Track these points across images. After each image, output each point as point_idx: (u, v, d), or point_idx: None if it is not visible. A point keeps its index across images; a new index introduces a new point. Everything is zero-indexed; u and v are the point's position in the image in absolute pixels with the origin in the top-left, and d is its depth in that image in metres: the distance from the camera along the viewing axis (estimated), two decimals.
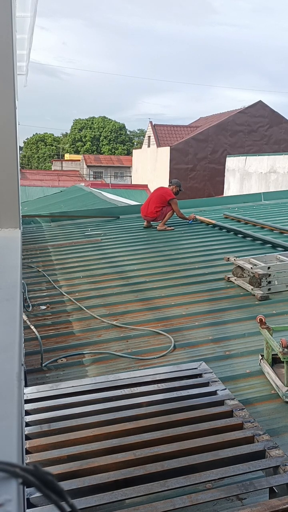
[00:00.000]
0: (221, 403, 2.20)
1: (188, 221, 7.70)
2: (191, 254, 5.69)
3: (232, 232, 6.80)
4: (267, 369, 2.70)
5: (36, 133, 65.56)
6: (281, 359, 2.54)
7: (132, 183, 33.03)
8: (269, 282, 4.18)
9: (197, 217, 7.87)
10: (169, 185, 7.65)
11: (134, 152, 35.80)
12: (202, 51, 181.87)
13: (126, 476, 1.68)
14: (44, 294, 4.56)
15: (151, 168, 29.74)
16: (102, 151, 58.51)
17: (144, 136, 38.82)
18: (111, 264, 5.48)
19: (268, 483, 1.66)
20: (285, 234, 6.48)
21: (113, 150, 59.29)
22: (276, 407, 2.41)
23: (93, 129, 60.14)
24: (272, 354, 2.74)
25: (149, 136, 31.14)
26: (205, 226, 7.51)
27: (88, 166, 45.49)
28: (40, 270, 5.34)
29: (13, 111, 2.34)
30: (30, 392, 2.35)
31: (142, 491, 1.61)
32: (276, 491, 1.65)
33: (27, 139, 65.27)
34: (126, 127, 63.30)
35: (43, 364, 3.04)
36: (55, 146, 63.47)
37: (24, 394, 2.26)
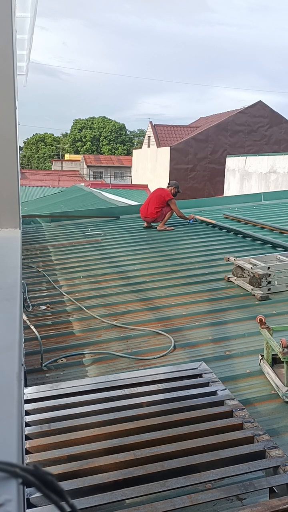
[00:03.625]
0: (221, 403, 2.20)
1: (188, 221, 7.74)
2: (191, 254, 5.69)
3: (232, 232, 6.80)
4: (267, 369, 2.70)
5: (36, 133, 65.64)
6: (281, 359, 2.54)
7: (132, 183, 33.02)
8: (269, 282, 4.18)
9: (197, 217, 7.90)
10: (168, 186, 7.72)
11: (134, 152, 35.80)
12: (202, 51, 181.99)
13: (126, 476, 1.68)
14: (44, 294, 4.56)
15: (151, 168, 29.74)
16: (102, 151, 58.52)
17: (144, 136, 38.83)
18: (111, 264, 5.48)
19: (268, 483, 1.66)
20: (285, 234, 6.48)
21: (113, 150, 59.29)
22: (276, 407, 2.41)
23: (93, 129, 60.14)
24: (272, 354, 2.74)
25: (149, 136, 31.14)
26: (205, 226, 7.51)
27: (88, 166, 45.49)
28: (40, 270, 5.34)
29: (13, 111, 2.34)
30: (30, 392, 2.35)
31: (142, 491, 1.61)
32: (276, 491, 1.65)
33: (27, 139, 65.31)
34: (126, 127, 63.36)
35: (43, 364, 3.04)
36: (55, 146, 63.48)
37: (24, 394, 2.26)
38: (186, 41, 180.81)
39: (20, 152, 41.56)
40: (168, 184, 7.81)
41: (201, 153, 26.99)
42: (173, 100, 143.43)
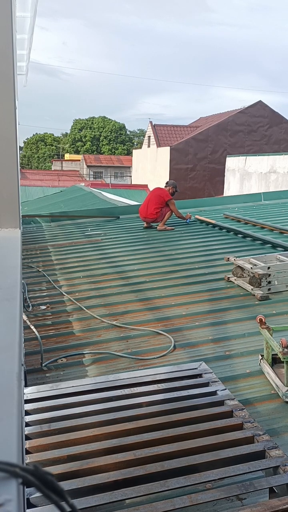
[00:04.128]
0: (221, 403, 2.20)
1: (185, 220, 7.75)
2: (191, 254, 5.69)
3: (232, 232, 6.80)
4: (267, 369, 2.70)
5: (36, 133, 65.65)
6: (281, 359, 2.54)
7: (132, 183, 33.01)
8: (269, 282, 4.18)
9: (197, 217, 7.88)
10: (165, 186, 7.71)
11: (134, 152, 35.80)
12: (202, 51, 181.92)
13: (126, 476, 1.68)
14: (44, 294, 4.56)
15: (151, 168, 29.73)
16: (102, 151, 58.52)
17: (144, 136, 38.83)
18: (111, 264, 5.48)
19: (268, 483, 1.66)
20: (285, 234, 6.48)
21: (113, 150, 59.30)
22: (276, 407, 2.41)
23: (93, 129, 60.15)
24: (272, 354, 2.74)
25: (149, 136, 31.14)
26: (205, 226, 7.51)
27: (88, 166, 45.49)
28: (40, 270, 5.34)
29: (13, 111, 2.34)
30: (30, 392, 2.35)
31: (142, 491, 1.61)
32: (276, 491, 1.65)
33: (27, 139, 65.31)
34: (126, 127, 63.37)
35: (43, 364, 3.04)
36: (55, 146, 63.48)
37: (24, 394, 2.26)
38: (186, 41, 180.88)
39: (20, 152, 41.54)
40: (166, 183, 7.81)
41: (201, 153, 26.99)
42: (173, 100, 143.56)
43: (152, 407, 2.17)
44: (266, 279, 4.16)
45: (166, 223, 7.44)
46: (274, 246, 5.78)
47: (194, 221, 7.84)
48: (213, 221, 7.44)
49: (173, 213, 7.48)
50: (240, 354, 3.04)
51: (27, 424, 2.05)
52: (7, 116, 2.32)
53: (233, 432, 1.94)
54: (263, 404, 2.44)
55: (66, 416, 2.11)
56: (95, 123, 60.72)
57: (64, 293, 4.48)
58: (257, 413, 2.32)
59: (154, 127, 30.50)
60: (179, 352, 3.17)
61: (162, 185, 8.01)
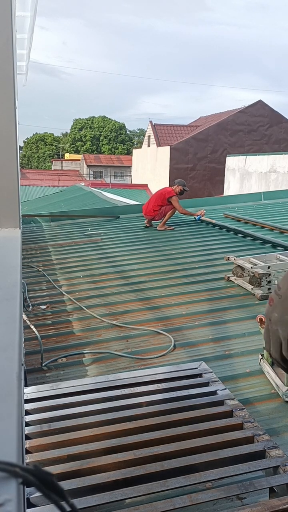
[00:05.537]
0: (221, 403, 2.20)
1: (195, 217, 7.72)
2: (191, 254, 5.69)
3: (232, 232, 6.80)
4: (267, 368, 2.70)
5: (36, 133, 65.63)
6: None
7: (132, 183, 33.01)
8: (269, 282, 4.18)
9: (203, 218, 7.83)
10: (173, 185, 7.66)
11: (134, 151, 35.78)
12: (201, 50, 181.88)
13: (126, 476, 1.68)
14: (44, 293, 4.56)
15: (151, 167, 29.72)
16: (102, 151, 58.52)
17: (144, 136, 38.81)
18: (111, 264, 5.48)
19: (268, 483, 1.66)
20: (285, 234, 6.48)
21: (113, 149, 59.29)
22: (276, 407, 2.41)
23: (93, 128, 60.16)
24: None
25: (149, 136, 31.13)
26: (205, 226, 7.51)
27: (88, 166, 45.48)
28: (40, 270, 5.34)
29: (13, 111, 2.34)
30: (30, 392, 2.35)
31: (142, 491, 1.61)
32: (276, 491, 1.65)
33: (27, 139, 65.30)
34: (126, 127, 63.37)
35: (43, 364, 3.04)
36: (55, 145, 63.48)
37: (24, 394, 2.26)
38: (186, 41, 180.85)
39: (20, 151, 41.49)
40: (174, 182, 7.78)
41: (201, 153, 26.98)
42: (173, 99, 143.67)
43: (152, 406, 2.17)
44: (266, 278, 4.16)
45: (166, 223, 7.44)
46: (274, 245, 5.78)
47: (193, 220, 7.82)
48: (213, 221, 7.43)
49: (177, 211, 7.40)
50: (240, 353, 3.04)
51: (27, 424, 2.05)
52: (7, 115, 2.32)
53: (233, 432, 1.95)
54: (263, 403, 2.44)
55: (66, 416, 2.11)
56: (95, 122, 60.72)
57: (64, 293, 4.48)
58: (257, 413, 2.32)
59: (154, 126, 30.48)
60: (179, 351, 3.17)
61: (162, 185, 8.00)
